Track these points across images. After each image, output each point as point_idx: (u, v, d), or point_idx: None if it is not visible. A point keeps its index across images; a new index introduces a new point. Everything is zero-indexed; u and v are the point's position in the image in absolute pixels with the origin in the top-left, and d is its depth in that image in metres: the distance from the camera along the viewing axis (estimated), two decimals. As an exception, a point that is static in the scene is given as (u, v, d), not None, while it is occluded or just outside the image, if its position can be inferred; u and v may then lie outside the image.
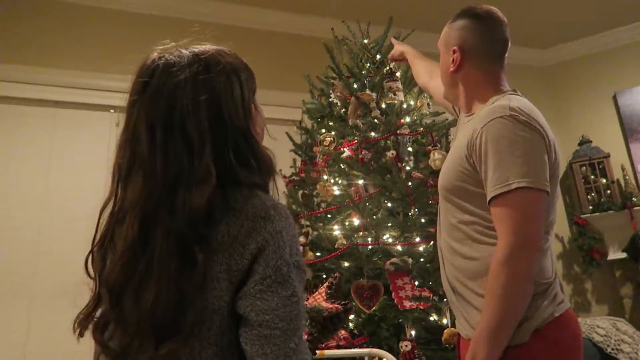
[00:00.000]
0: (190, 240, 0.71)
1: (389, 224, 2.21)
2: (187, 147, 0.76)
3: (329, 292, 1.61)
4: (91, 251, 0.83)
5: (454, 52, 1.36)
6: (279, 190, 0.87)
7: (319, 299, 1.63)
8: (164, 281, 0.70)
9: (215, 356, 0.72)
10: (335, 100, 2.53)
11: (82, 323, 0.82)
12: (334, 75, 2.58)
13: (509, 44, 1.41)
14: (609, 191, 3.85)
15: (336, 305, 1.52)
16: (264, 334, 0.70)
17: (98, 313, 0.80)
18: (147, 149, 0.77)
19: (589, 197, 3.92)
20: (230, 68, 0.87)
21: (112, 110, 3.12)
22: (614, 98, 4.16)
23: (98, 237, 0.83)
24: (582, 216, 3.87)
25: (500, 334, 1.09)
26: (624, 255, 3.69)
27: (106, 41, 3.21)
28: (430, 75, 1.79)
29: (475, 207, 1.22)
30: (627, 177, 3.83)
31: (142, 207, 0.74)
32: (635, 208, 3.64)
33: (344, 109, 2.50)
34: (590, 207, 3.86)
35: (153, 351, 0.69)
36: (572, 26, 4.15)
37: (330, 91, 2.56)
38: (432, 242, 2.15)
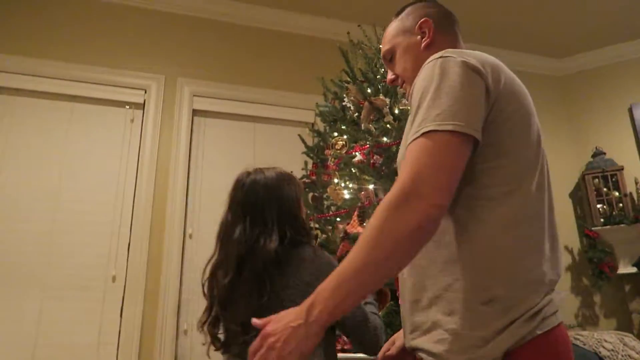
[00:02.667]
0: (263, 276, 1.29)
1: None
2: (263, 224, 1.37)
3: (359, 218, 1.94)
4: (204, 281, 1.41)
5: (422, 25, 1.18)
6: None
7: (355, 225, 2.01)
8: (245, 300, 1.28)
9: None
10: (348, 104, 2.53)
11: (200, 324, 1.37)
12: (348, 79, 2.58)
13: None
14: (621, 204, 3.82)
15: None
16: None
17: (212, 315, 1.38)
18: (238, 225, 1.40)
19: (600, 209, 3.88)
20: (289, 182, 1.48)
21: (128, 107, 3.16)
22: (630, 110, 4.12)
23: (208, 273, 1.39)
24: (593, 229, 3.83)
25: (347, 288, 0.83)
26: (634, 269, 3.65)
27: (124, 37, 3.24)
28: None
29: None
30: (640, 191, 3.79)
31: (235, 257, 1.33)
32: (647, 223, 3.61)
33: (357, 113, 2.50)
34: (602, 220, 3.82)
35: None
36: (589, 37, 4.12)
37: (344, 95, 2.56)
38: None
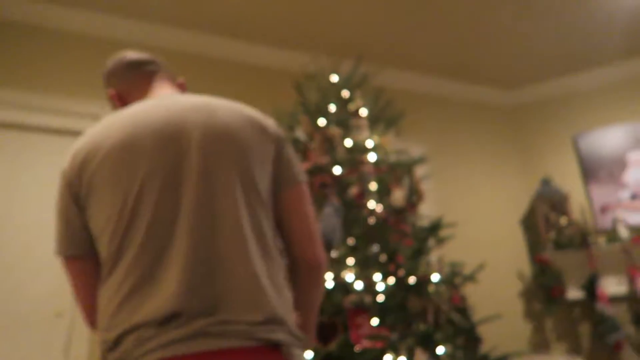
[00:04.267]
0: None
1: (351, 261, 2.22)
2: None
3: None
4: None
5: (111, 99, 1.23)
6: None
7: None
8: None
9: None
10: (301, 135, 2.56)
11: None
12: (301, 110, 2.62)
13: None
14: (568, 231, 3.97)
15: None
16: None
17: None
18: None
19: (549, 236, 4.02)
20: None
21: (80, 135, 3.08)
22: (574, 140, 4.33)
23: None
24: (542, 254, 3.95)
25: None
26: (582, 294, 3.77)
27: (77, 64, 3.19)
28: None
29: None
30: (585, 217, 3.95)
31: None
32: (593, 248, 3.75)
33: (310, 144, 2.53)
34: (551, 246, 3.95)
35: None
36: (536, 69, 4.34)
37: (297, 126, 2.59)
38: (391, 280, 2.17)
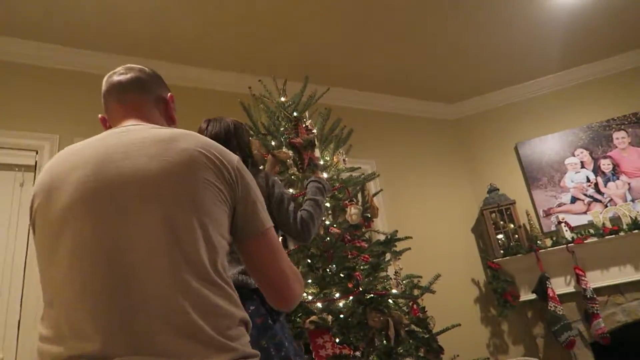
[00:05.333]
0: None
1: (309, 281, 2.21)
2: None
3: None
4: None
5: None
6: None
7: None
8: None
9: None
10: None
11: None
12: (251, 132, 2.60)
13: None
14: (517, 236, 4.12)
15: None
16: None
17: None
18: None
19: (499, 241, 4.15)
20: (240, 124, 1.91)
21: (17, 169, 2.94)
22: (515, 149, 4.53)
23: None
24: (494, 260, 4.08)
25: None
26: (533, 296, 3.91)
27: (11, 96, 3.05)
28: None
29: None
30: (531, 222, 4.12)
31: None
32: (540, 251, 3.90)
33: (261, 167, 2.52)
34: (502, 252, 4.08)
35: None
36: (477, 82, 4.53)
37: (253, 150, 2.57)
38: (351, 297, 2.17)
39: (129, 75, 1.13)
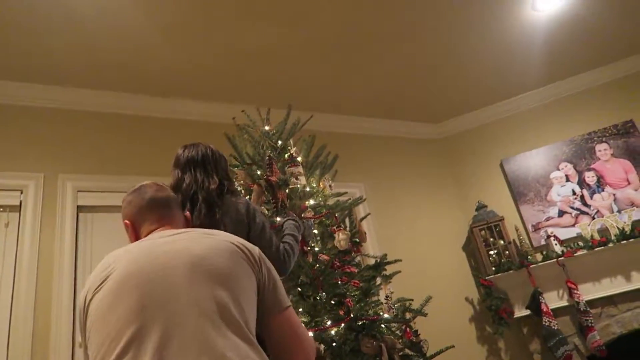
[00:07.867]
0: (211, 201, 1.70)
1: (300, 310, 2.20)
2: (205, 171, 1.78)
3: None
4: None
5: (126, 228, 1.37)
6: None
7: None
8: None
9: None
10: (238, 188, 2.54)
11: None
12: (237, 163, 2.61)
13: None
14: (507, 252, 4.12)
15: None
16: None
17: None
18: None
19: (491, 258, 4.16)
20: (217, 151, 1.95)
21: (1, 210, 2.91)
22: (501, 165, 4.58)
23: None
24: (487, 277, 4.07)
25: None
26: (528, 312, 3.90)
27: (-5, 137, 3.04)
28: None
29: None
30: (521, 237, 4.13)
31: (190, 196, 1.73)
32: (532, 266, 3.91)
33: (247, 197, 2.52)
34: (493, 269, 4.08)
35: None
36: (460, 102, 4.59)
37: (233, 179, 2.57)
38: (342, 325, 2.15)
39: (162, 194, 1.37)
